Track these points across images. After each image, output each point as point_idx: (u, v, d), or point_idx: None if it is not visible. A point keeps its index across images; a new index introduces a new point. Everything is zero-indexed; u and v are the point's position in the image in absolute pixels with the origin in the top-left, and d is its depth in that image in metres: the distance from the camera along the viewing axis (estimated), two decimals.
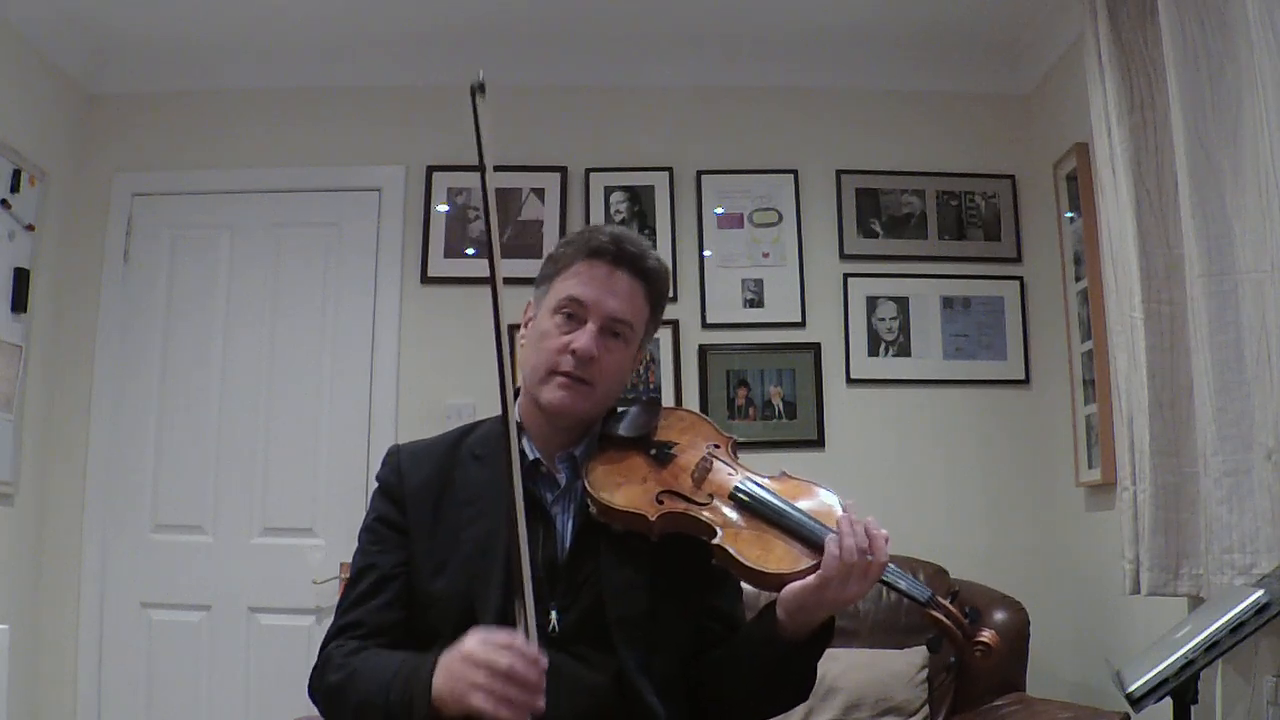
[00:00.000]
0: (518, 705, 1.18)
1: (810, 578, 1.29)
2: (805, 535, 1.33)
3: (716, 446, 1.47)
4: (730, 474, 1.42)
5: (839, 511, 1.36)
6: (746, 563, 1.32)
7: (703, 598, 1.46)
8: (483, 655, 1.20)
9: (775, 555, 1.32)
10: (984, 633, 1.33)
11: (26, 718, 3.04)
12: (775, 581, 1.31)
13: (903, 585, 1.34)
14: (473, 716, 1.20)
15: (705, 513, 1.36)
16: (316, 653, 1.43)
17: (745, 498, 1.38)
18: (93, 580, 3.20)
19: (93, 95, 3.45)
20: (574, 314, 1.43)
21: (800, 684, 1.41)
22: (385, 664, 1.34)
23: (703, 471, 1.42)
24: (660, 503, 1.37)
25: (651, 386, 3.26)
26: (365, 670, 1.35)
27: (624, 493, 1.38)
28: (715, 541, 1.33)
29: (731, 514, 1.37)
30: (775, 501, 1.38)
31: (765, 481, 1.42)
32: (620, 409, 1.52)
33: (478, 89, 1.27)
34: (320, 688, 1.40)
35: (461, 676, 1.21)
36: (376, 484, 1.51)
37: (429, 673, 1.25)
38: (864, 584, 1.29)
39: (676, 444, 1.46)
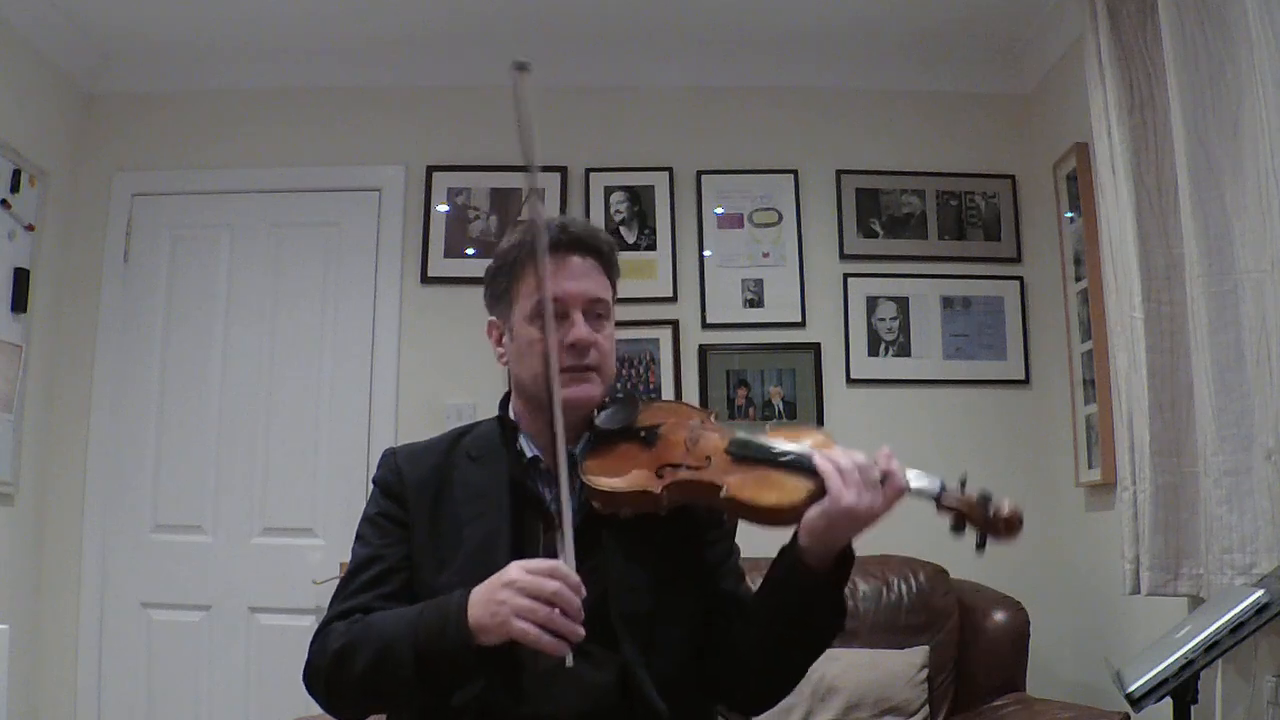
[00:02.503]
0: (562, 632, 1.19)
1: (829, 497, 1.28)
2: (807, 467, 1.34)
3: (700, 420, 1.49)
4: (720, 436, 1.44)
5: (834, 442, 1.38)
6: (758, 504, 1.33)
7: (709, 586, 1.47)
8: (528, 581, 1.21)
9: (784, 489, 1.34)
10: (1004, 506, 1.34)
11: (26, 718, 3.03)
12: (790, 513, 1.33)
13: (915, 487, 1.34)
14: (502, 648, 1.22)
15: (705, 474, 1.38)
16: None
17: (740, 450, 1.40)
18: (93, 580, 3.20)
19: (93, 95, 3.45)
20: (556, 312, 1.43)
21: (830, 618, 1.39)
22: (402, 611, 1.33)
23: (693, 440, 1.43)
24: (662, 476, 1.39)
25: (651, 386, 3.26)
26: (379, 621, 1.34)
27: (626, 477, 1.39)
28: (723, 495, 1.34)
29: (731, 467, 1.38)
30: (770, 444, 1.39)
31: (756, 436, 1.44)
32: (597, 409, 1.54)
33: (519, 67, 1.24)
34: (322, 659, 1.36)
35: (505, 601, 1.21)
36: (374, 485, 1.52)
37: (462, 600, 1.25)
38: (877, 494, 1.28)
39: (662, 424, 1.48)
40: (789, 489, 1.34)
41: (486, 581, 1.26)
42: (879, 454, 1.32)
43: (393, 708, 1.42)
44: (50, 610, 3.16)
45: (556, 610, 1.20)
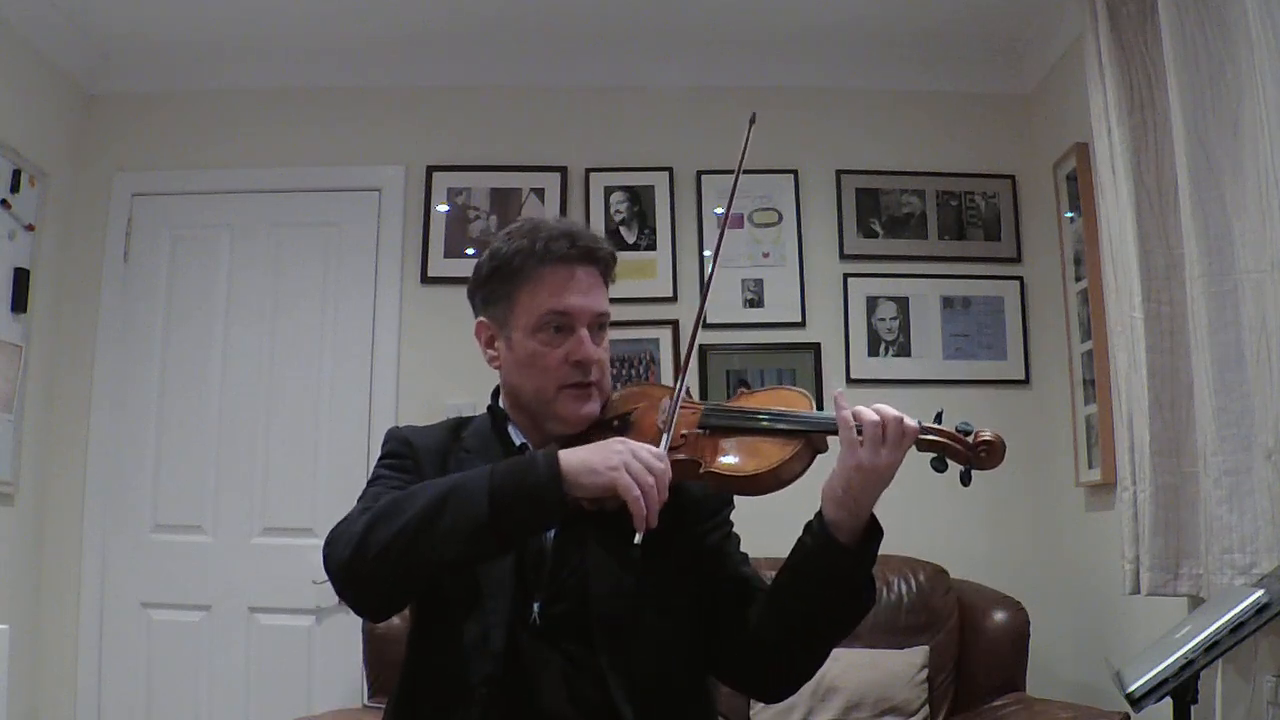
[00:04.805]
0: (648, 504, 1.22)
1: (845, 456, 1.28)
2: (783, 429, 1.34)
3: (671, 399, 1.47)
4: (693, 411, 1.42)
5: (809, 399, 1.38)
6: (739, 473, 1.33)
7: (715, 572, 1.46)
8: (645, 451, 1.27)
9: (762, 454, 1.33)
10: (983, 433, 1.33)
11: (26, 718, 3.04)
12: (770, 479, 1.32)
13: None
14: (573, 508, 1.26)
15: (682, 453, 1.36)
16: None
17: (715, 421, 1.39)
18: (93, 580, 3.20)
19: (93, 95, 3.45)
20: (561, 326, 1.44)
21: (861, 596, 1.37)
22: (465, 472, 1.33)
23: (667, 420, 1.41)
24: None
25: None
26: (442, 479, 1.33)
27: None
28: (702, 471, 1.34)
29: (709, 441, 1.38)
30: (744, 411, 1.40)
31: (729, 403, 1.44)
32: None
33: (752, 120, 1.41)
34: (354, 523, 1.31)
35: (622, 453, 1.25)
36: (383, 456, 1.53)
37: (550, 450, 1.29)
38: (893, 449, 1.28)
39: (635, 409, 1.47)
40: (769, 452, 1.33)
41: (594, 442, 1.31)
42: (877, 410, 1.31)
43: (421, 579, 1.34)
44: (50, 610, 3.16)
45: (655, 486, 1.23)
